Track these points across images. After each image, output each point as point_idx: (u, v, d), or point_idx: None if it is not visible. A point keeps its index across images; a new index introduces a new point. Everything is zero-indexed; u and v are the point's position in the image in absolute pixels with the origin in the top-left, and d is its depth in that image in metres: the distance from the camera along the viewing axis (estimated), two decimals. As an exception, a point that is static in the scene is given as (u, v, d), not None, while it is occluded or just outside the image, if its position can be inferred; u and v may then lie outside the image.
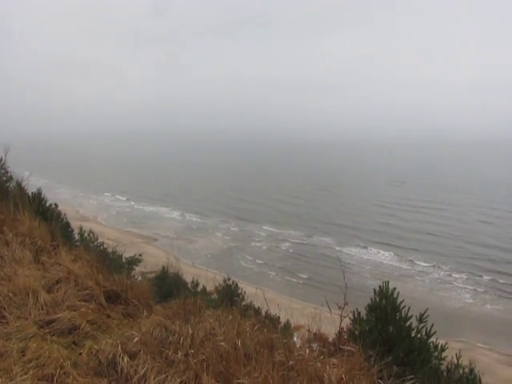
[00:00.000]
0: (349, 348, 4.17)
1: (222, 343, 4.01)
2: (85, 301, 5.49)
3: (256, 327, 4.56)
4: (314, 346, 4.65)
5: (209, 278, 14.40)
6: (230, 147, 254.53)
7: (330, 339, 5.85)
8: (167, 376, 3.70)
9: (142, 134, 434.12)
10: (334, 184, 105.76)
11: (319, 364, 3.83)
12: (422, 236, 57.40)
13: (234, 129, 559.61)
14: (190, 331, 4.33)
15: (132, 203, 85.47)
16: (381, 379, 3.85)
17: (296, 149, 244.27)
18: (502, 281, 42.00)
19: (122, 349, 4.15)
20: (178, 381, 3.60)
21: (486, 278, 43.05)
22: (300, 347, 4.16)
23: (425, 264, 47.63)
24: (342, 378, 3.67)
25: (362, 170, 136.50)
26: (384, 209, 75.25)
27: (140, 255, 20.48)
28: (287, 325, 12.85)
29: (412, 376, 4.16)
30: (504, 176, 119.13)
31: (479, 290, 40.58)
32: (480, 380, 12.03)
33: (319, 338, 6.08)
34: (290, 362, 3.81)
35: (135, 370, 3.89)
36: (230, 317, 4.73)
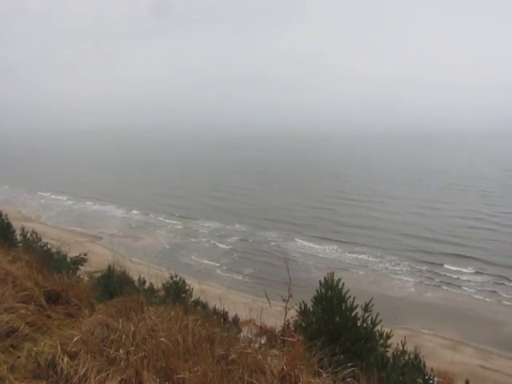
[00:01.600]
0: (290, 339, 4.21)
1: (163, 339, 3.97)
2: (23, 302, 5.33)
3: (199, 322, 4.54)
4: (259, 339, 4.67)
5: (156, 276, 14.22)
6: (168, 145, 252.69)
7: (277, 332, 5.88)
8: (108, 374, 3.64)
9: (83, 132, 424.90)
10: (278, 179, 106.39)
11: (260, 356, 3.85)
12: (363, 229, 58.22)
13: (183, 126, 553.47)
14: (132, 329, 4.27)
15: (75, 202, 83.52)
16: (322, 368, 3.91)
17: (243, 144, 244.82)
18: (440, 271, 43.42)
19: (61, 349, 4.04)
20: (119, 379, 3.54)
21: (424, 268, 44.36)
22: (242, 341, 4.16)
23: (367, 257, 48.59)
24: (283, 369, 3.70)
25: (309, 164, 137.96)
26: (323, 203, 76.03)
27: (85, 254, 19.96)
28: (235, 319, 12.85)
29: (352, 364, 4.23)
30: (444, 168, 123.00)
31: (420, 280, 41.74)
32: (424, 364, 12.46)
33: (266, 331, 6.13)
34: (232, 356, 3.83)
35: (75, 370, 3.80)
36: (172, 313, 4.69)
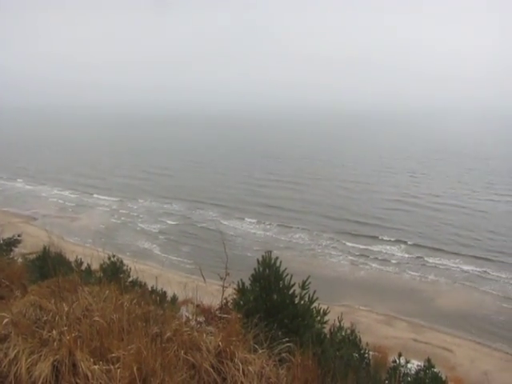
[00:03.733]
0: (226, 316, 4.24)
1: (98, 319, 3.92)
2: (-50, 284, 5.11)
3: (134, 301, 4.50)
4: (195, 317, 4.67)
5: (93, 256, 13.92)
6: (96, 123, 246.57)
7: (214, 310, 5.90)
8: (40, 356, 3.54)
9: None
10: (210, 159, 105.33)
11: (196, 333, 3.87)
12: (298, 212, 58.88)
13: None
14: (66, 309, 4.18)
15: (5, 182, 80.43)
16: (258, 344, 3.98)
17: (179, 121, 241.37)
18: (372, 250, 44.99)
19: (-10, 333, 3.91)
20: (52, 360, 3.46)
21: (357, 247, 45.75)
22: (178, 318, 4.16)
23: (303, 236, 49.51)
24: (218, 346, 3.74)
25: (239, 145, 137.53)
26: (251, 185, 76.15)
27: (19, 236, 19.31)
28: (174, 299, 12.82)
29: (287, 339, 4.31)
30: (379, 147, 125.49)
31: (354, 258, 43.09)
32: (360, 339, 12.91)
33: (203, 309, 6.14)
34: (168, 334, 3.83)
35: (5, 354, 3.67)
36: (107, 292, 4.62)
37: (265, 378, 3.52)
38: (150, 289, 13.25)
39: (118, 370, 3.24)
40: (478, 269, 39.38)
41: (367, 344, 13.31)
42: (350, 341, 12.44)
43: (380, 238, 47.78)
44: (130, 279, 15.37)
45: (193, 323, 4.15)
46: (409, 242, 46.13)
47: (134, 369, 3.16)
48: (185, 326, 3.94)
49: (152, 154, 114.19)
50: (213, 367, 3.57)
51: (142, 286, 13.44)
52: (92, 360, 3.39)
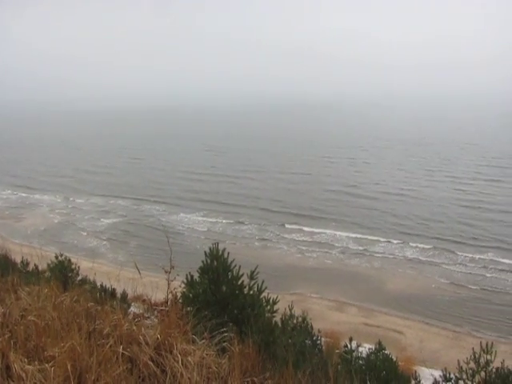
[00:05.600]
0: (163, 308, 4.25)
1: (34, 318, 3.85)
2: None
3: (74, 299, 4.45)
4: (132, 310, 4.65)
5: (41, 256, 13.59)
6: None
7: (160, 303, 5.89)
8: (-30, 361, 3.45)
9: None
10: (142, 155, 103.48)
11: (135, 327, 3.87)
12: (244, 203, 59.04)
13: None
14: (2, 310, 4.08)
15: None
16: (199, 335, 4.01)
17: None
18: (313, 238, 45.77)
19: None
20: (-17, 363, 3.38)
21: (303, 237, 46.36)
22: (116, 313, 4.12)
23: (250, 225, 50.10)
24: (157, 338, 3.75)
25: (181, 139, 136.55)
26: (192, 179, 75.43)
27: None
28: (123, 295, 12.68)
29: (225, 329, 4.35)
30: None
31: (301, 247, 43.64)
32: (312, 326, 13.09)
33: (150, 304, 6.11)
34: (107, 329, 3.81)
35: None
36: (46, 290, 4.55)
37: (205, 368, 3.55)
38: (99, 286, 13.05)
39: (52, 369, 3.21)
40: (420, 255, 40.74)
41: (319, 330, 13.50)
42: (301, 328, 12.60)
43: (323, 228, 48.32)
44: (79, 278, 15.09)
45: (130, 317, 4.13)
46: (352, 232, 46.95)
47: (69, 366, 3.14)
48: (123, 320, 3.93)
49: (88, 151, 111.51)
50: (152, 360, 3.58)
51: (91, 284, 13.24)
52: (26, 360, 3.35)
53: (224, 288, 8.11)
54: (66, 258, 14.77)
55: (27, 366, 3.25)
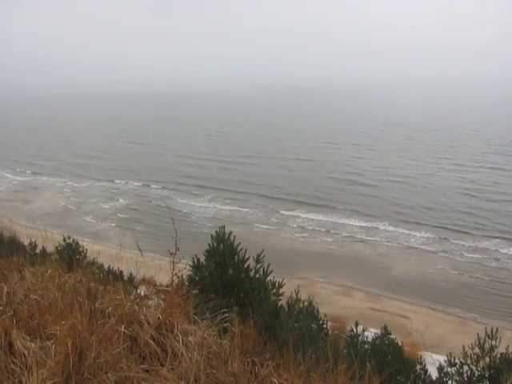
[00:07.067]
0: (165, 288, 4.27)
1: (37, 298, 3.90)
2: None
3: (78, 279, 4.49)
4: (135, 290, 4.69)
5: (49, 239, 13.67)
6: None
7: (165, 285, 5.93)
8: (-28, 337, 3.50)
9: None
10: (142, 138, 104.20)
11: (136, 307, 3.90)
12: (248, 187, 59.48)
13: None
14: (6, 289, 4.12)
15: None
16: (197, 315, 4.05)
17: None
18: (326, 223, 46.02)
19: None
20: (-15, 340, 3.42)
21: (311, 221, 46.76)
22: (118, 293, 4.16)
23: (254, 210, 50.55)
24: (158, 318, 3.78)
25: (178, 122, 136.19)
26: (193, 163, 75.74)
27: (-31, 220, 18.84)
28: (130, 278, 12.75)
29: (226, 310, 4.37)
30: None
31: (310, 232, 43.98)
32: (318, 310, 13.13)
33: (155, 285, 6.16)
34: (109, 309, 3.84)
35: None
36: (49, 271, 4.59)
37: (206, 348, 3.57)
38: (106, 269, 13.14)
39: (53, 346, 3.25)
40: (425, 242, 40.84)
41: (325, 315, 13.55)
42: (307, 311, 12.65)
43: (328, 215, 48.32)
44: (87, 260, 15.18)
45: (132, 297, 4.17)
46: (357, 219, 46.97)
47: (69, 344, 3.17)
48: (125, 300, 3.96)
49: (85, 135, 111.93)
50: (153, 339, 3.61)
51: (98, 266, 13.33)
52: (29, 338, 3.39)
53: (230, 271, 8.16)
54: (73, 240, 14.83)
55: (29, 343, 3.30)
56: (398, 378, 9.78)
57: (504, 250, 38.18)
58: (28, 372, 3.07)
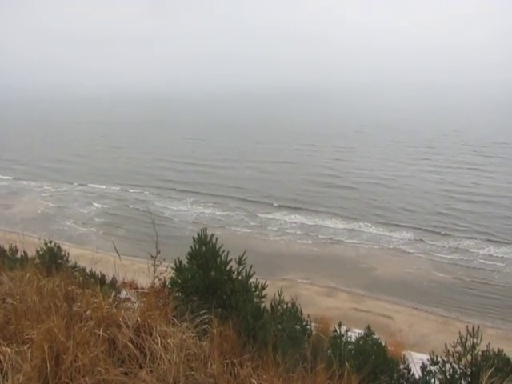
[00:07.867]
0: (143, 290, 4.26)
1: (14, 302, 3.86)
2: None
3: (56, 283, 4.45)
4: (114, 293, 4.67)
5: (30, 243, 13.56)
6: None
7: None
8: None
9: None
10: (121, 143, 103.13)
11: (115, 310, 3.88)
12: (229, 188, 59.68)
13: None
14: (-19, 295, 4.09)
15: None
16: (175, 317, 4.04)
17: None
18: (311, 224, 46.33)
19: None
20: (-40, 348, 3.38)
21: (292, 217, 47.55)
22: (96, 296, 4.14)
23: (234, 212, 50.39)
24: (137, 320, 3.77)
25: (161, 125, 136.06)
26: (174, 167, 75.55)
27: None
28: (113, 281, 12.68)
29: (206, 311, 4.37)
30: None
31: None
32: (301, 312, 13.16)
33: (136, 288, 6.13)
34: (87, 312, 3.82)
35: None
36: (28, 275, 4.56)
37: (185, 350, 3.57)
38: (88, 272, 13.04)
39: (30, 350, 3.23)
40: (406, 243, 41.15)
41: (308, 316, 13.55)
42: (291, 313, 12.66)
43: (310, 217, 48.56)
44: (70, 264, 15.03)
45: (110, 300, 4.15)
46: (338, 220, 47.24)
47: (46, 348, 3.15)
48: (104, 303, 3.94)
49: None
50: (132, 342, 3.60)
51: (80, 270, 13.21)
52: (5, 343, 3.36)
53: (212, 273, 8.14)
54: (55, 244, 14.70)
55: (4, 348, 3.27)
56: (382, 377, 9.85)
57: (483, 251, 38.61)
58: (3, 377, 3.05)
